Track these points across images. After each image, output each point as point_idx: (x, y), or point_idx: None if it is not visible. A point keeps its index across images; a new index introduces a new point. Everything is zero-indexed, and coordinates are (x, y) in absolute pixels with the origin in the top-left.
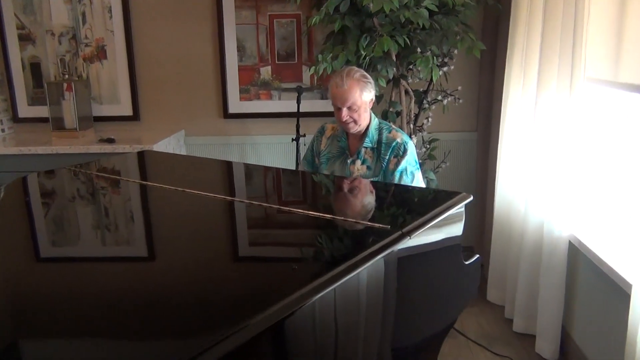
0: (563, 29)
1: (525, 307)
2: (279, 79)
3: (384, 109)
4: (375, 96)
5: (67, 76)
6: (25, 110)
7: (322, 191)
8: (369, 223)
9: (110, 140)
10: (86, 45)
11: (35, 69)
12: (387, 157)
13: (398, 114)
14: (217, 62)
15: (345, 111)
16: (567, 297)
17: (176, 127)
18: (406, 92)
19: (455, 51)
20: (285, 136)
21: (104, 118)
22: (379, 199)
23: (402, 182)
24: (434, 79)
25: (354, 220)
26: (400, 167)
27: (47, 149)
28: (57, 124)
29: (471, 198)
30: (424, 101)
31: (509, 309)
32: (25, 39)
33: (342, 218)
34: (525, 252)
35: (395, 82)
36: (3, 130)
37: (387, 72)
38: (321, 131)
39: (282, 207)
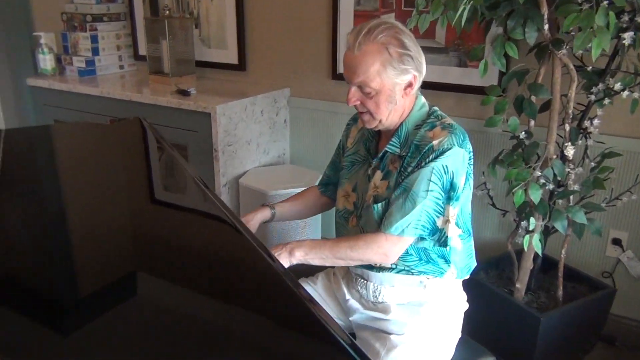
0: None
1: None
2: None
3: (519, 95)
4: (516, 72)
5: (167, 12)
6: (145, 47)
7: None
8: None
9: (185, 93)
10: None
11: (153, 2)
12: (410, 168)
13: (545, 106)
14: (330, 3)
15: (353, 91)
16: None
17: (282, 83)
18: (566, 69)
19: None
20: None
21: (210, 64)
22: None
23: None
24: (594, 54)
25: None
26: (404, 183)
27: (122, 94)
28: (155, 66)
29: None
30: (594, 88)
31: None
32: None
33: None
34: None
35: (539, 52)
36: (122, 67)
37: (525, 34)
38: (355, 118)
39: None
